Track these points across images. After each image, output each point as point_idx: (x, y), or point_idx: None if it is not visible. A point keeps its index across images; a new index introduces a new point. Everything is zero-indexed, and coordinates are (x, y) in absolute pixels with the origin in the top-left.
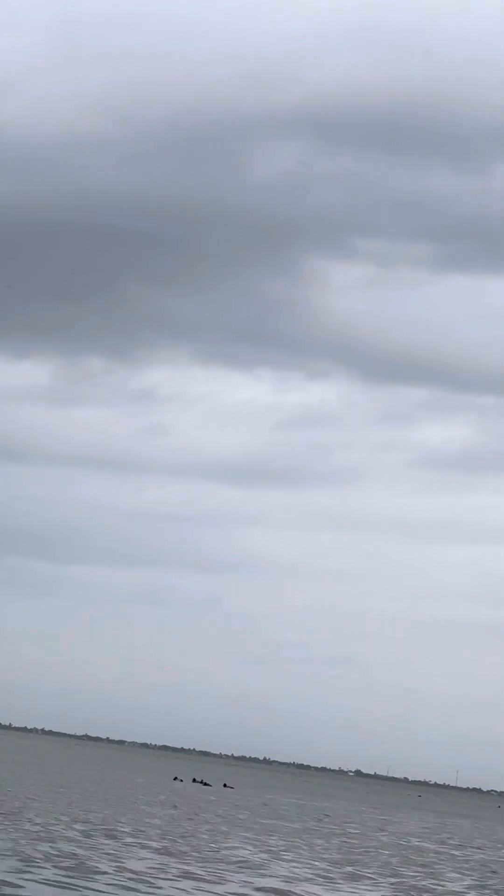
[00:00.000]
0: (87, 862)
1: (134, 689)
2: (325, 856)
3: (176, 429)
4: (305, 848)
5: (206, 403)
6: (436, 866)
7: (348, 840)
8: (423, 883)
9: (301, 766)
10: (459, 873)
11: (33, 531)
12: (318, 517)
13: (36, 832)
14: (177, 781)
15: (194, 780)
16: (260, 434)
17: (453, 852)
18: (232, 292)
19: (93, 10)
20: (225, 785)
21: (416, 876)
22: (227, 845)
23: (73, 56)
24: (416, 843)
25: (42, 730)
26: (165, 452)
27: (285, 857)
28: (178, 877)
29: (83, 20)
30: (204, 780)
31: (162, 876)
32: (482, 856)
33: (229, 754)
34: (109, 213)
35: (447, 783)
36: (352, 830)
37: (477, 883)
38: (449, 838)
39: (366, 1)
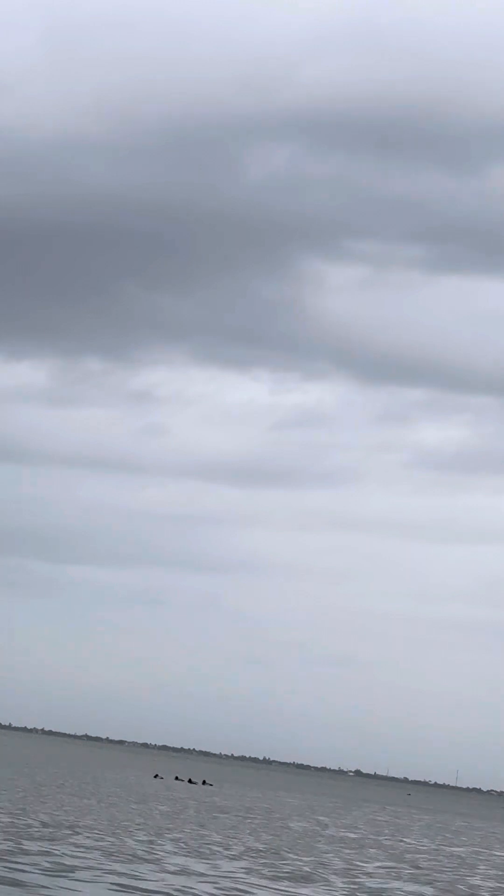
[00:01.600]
0: None
1: (134, 689)
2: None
3: (174, 429)
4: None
5: (204, 404)
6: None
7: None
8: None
9: (301, 766)
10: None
11: (32, 531)
12: (316, 517)
13: None
14: (157, 779)
15: (177, 778)
16: (258, 434)
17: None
18: (228, 293)
19: (89, 13)
20: (204, 782)
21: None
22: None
23: (70, 58)
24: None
25: (42, 730)
26: (164, 453)
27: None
28: None
29: (79, 23)
30: (190, 779)
31: None
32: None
33: (229, 754)
34: (106, 215)
35: (447, 783)
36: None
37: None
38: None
39: (359, 4)
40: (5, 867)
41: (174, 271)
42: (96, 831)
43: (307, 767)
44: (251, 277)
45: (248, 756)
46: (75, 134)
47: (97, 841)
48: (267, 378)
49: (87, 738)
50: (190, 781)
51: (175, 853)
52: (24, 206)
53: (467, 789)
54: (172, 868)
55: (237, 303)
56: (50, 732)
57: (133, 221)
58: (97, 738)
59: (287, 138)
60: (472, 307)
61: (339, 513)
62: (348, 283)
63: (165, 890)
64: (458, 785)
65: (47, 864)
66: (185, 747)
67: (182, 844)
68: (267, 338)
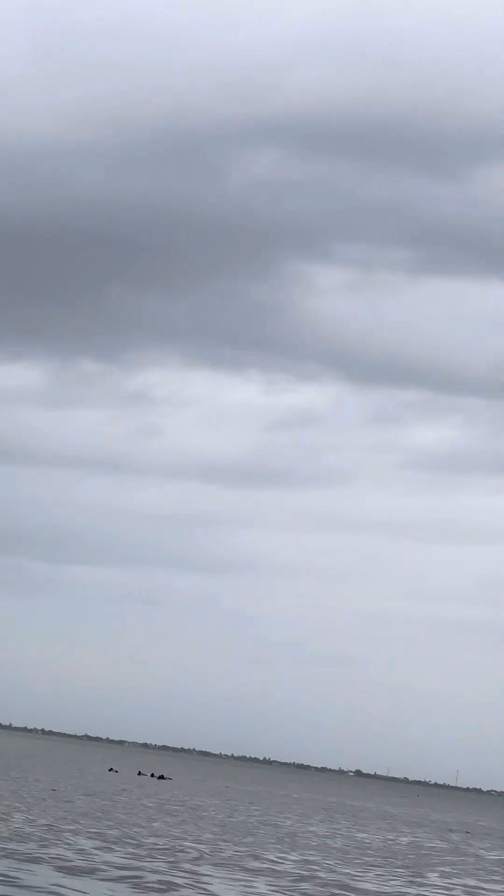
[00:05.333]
0: None
1: (134, 689)
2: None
3: (170, 430)
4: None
5: (199, 405)
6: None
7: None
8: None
9: (301, 766)
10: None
11: (30, 532)
12: (312, 518)
13: None
14: (111, 772)
15: (140, 773)
16: (253, 436)
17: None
18: (220, 296)
19: (78, 21)
20: (162, 776)
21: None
22: None
23: (59, 65)
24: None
25: (42, 730)
26: (160, 454)
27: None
28: None
29: (69, 30)
30: (152, 773)
31: None
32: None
33: (229, 754)
34: (96, 219)
35: (447, 783)
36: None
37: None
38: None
39: (343, 12)
40: None
41: (167, 275)
42: None
43: (307, 767)
44: (242, 281)
45: (248, 756)
46: (66, 140)
47: None
48: (260, 380)
49: (88, 738)
50: (152, 776)
51: None
52: (17, 210)
53: (467, 789)
54: None
55: (229, 305)
56: (50, 732)
57: (126, 226)
58: (97, 738)
59: (273, 143)
60: (460, 309)
61: (335, 513)
62: (337, 286)
63: None
64: (458, 785)
65: None
66: (186, 747)
67: None
68: (259, 340)
